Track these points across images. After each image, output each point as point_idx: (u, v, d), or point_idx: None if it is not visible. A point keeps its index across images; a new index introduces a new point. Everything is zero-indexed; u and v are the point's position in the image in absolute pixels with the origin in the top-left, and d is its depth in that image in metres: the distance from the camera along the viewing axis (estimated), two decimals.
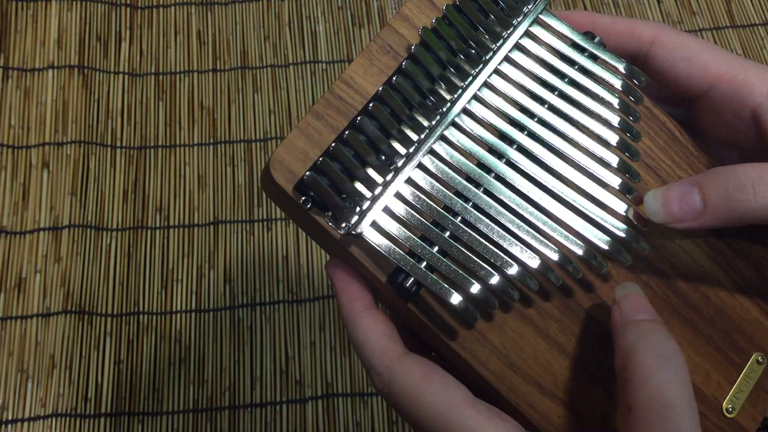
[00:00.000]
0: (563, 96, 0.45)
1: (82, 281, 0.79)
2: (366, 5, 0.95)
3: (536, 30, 0.46)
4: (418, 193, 0.42)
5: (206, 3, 0.94)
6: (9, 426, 0.73)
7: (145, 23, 0.93)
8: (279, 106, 0.89)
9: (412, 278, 0.41)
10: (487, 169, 0.43)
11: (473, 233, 0.42)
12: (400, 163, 0.42)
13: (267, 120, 0.88)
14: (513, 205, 0.42)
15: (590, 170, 0.44)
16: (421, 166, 0.42)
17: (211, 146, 0.86)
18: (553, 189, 0.43)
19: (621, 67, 0.46)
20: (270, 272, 0.81)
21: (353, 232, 0.41)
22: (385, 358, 0.42)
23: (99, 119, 0.87)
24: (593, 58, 0.46)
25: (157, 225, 0.83)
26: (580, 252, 0.43)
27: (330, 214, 0.41)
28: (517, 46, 0.46)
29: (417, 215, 0.41)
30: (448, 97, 0.44)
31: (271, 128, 0.88)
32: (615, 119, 0.45)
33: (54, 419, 0.74)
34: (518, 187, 0.43)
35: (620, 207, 0.44)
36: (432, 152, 0.43)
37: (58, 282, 0.79)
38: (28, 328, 0.77)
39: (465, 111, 0.44)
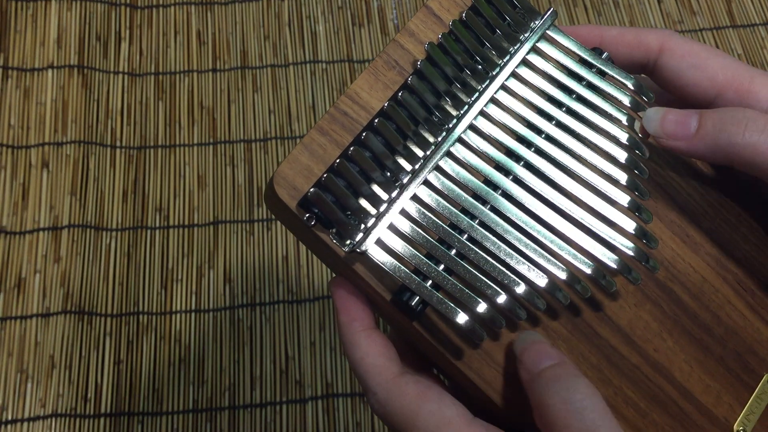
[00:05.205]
0: (571, 112, 0.45)
1: (81, 281, 0.79)
2: (366, 5, 0.95)
3: (543, 46, 0.46)
4: (423, 210, 0.42)
5: (206, 3, 0.94)
6: (9, 426, 0.73)
7: (144, 23, 0.92)
8: (279, 106, 0.89)
9: (417, 297, 0.40)
10: (494, 186, 0.43)
11: (480, 251, 0.41)
12: (405, 180, 0.42)
13: (267, 120, 0.88)
14: (520, 223, 0.42)
15: (598, 188, 0.43)
16: (426, 183, 0.42)
17: (211, 146, 0.86)
18: (560, 207, 0.43)
19: (629, 84, 0.46)
20: (270, 272, 0.81)
21: (358, 250, 0.40)
22: (380, 378, 0.42)
23: (99, 119, 0.86)
24: (601, 74, 0.46)
25: (157, 225, 0.82)
26: (588, 271, 0.42)
27: (334, 231, 0.41)
28: (525, 62, 0.45)
29: (422, 233, 0.41)
30: (454, 113, 0.43)
31: (271, 128, 0.87)
32: (623, 136, 0.45)
33: (54, 419, 0.74)
34: (525, 205, 0.42)
35: (629, 225, 0.43)
36: (438, 169, 0.42)
37: (58, 282, 0.79)
38: (28, 328, 0.77)
39: (471, 127, 0.43)
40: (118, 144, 0.86)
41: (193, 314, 0.79)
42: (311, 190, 0.40)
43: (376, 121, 0.42)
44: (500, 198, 0.42)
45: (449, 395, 0.42)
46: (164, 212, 0.83)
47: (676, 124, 0.44)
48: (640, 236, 0.44)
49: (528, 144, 0.44)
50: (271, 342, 0.78)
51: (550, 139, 0.44)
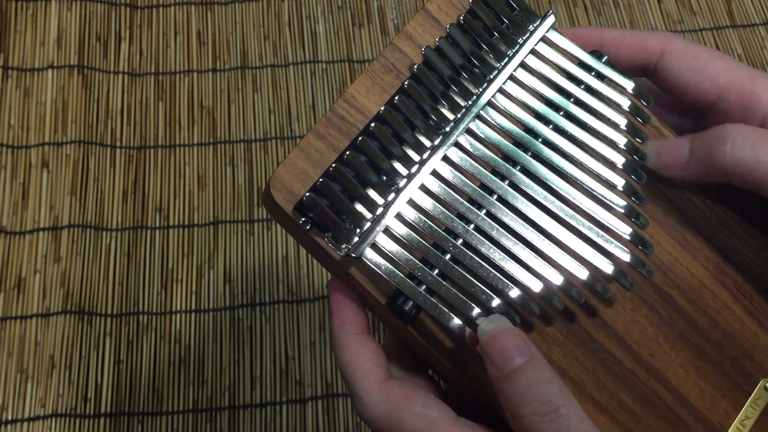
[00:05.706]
0: (569, 116, 0.45)
1: (81, 281, 0.79)
2: (366, 5, 0.95)
3: (542, 49, 0.46)
4: (419, 214, 0.42)
5: (206, 3, 0.94)
6: (9, 426, 0.73)
7: (144, 23, 0.92)
8: (279, 106, 0.89)
9: (412, 302, 0.40)
10: (490, 190, 0.42)
11: (474, 256, 0.41)
12: (401, 184, 0.42)
13: (267, 120, 0.88)
14: (516, 228, 0.42)
15: (595, 192, 0.43)
16: (423, 187, 0.42)
17: (211, 146, 0.86)
18: (557, 211, 0.43)
19: (629, 87, 0.45)
20: (270, 272, 0.81)
21: (353, 254, 0.41)
22: (366, 382, 0.42)
23: (99, 119, 0.86)
24: (600, 77, 0.46)
25: (157, 225, 0.82)
26: (583, 277, 0.42)
27: (330, 235, 0.41)
28: (523, 65, 0.45)
29: (418, 237, 0.41)
30: (451, 117, 0.43)
31: (271, 128, 0.87)
32: (622, 140, 0.44)
33: (54, 419, 0.74)
34: (521, 209, 0.42)
35: (625, 231, 0.43)
36: (434, 173, 0.42)
37: (58, 282, 0.79)
38: (28, 328, 0.77)
39: (468, 131, 0.43)
40: (118, 144, 0.86)
41: (193, 314, 0.79)
42: (307, 194, 0.41)
43: (372, 125, 0.42)
44: (496, 202, 0.42)
45: (434, 397, 0.42)
46: (164, 212, 0.83)
47: (670, 153, 0.45)
48: (636, 242, 0.43)
49: (525, 148, 0.44)
50: (271, 342, 0.78)
51: (547, 143, 0.44)
